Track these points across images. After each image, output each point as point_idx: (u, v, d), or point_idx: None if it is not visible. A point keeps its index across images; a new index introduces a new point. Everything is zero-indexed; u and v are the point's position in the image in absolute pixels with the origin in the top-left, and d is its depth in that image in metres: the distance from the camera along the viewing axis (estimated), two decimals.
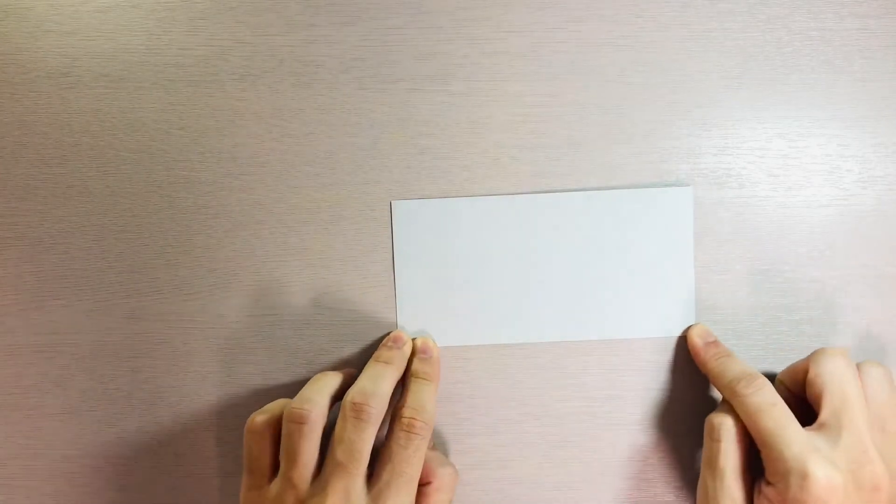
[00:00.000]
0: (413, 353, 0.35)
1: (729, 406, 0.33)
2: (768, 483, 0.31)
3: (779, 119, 0.36)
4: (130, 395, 0.37)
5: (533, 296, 0.36)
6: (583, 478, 0.37)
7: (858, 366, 0.33)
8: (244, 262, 0.37)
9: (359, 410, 0.31)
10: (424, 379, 0.34)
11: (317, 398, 0.32)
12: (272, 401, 0.34)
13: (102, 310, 0.37)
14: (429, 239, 0.36)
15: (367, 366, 0.34)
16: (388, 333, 0.36)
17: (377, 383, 0.32)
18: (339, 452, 0.31)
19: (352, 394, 0.32)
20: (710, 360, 0.34)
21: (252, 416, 0.33)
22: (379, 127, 0.36)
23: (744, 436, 0.32)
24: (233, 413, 0.37)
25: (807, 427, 0.31)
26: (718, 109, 0.36)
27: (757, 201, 0.36)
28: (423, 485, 0.33)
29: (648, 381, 0.37)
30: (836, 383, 0.31)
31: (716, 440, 0.33)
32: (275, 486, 0.32)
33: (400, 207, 0.36)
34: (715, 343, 0.35)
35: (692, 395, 0.37)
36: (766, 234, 0.36)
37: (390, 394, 0.33)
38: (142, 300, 0.37)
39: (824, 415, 0.31)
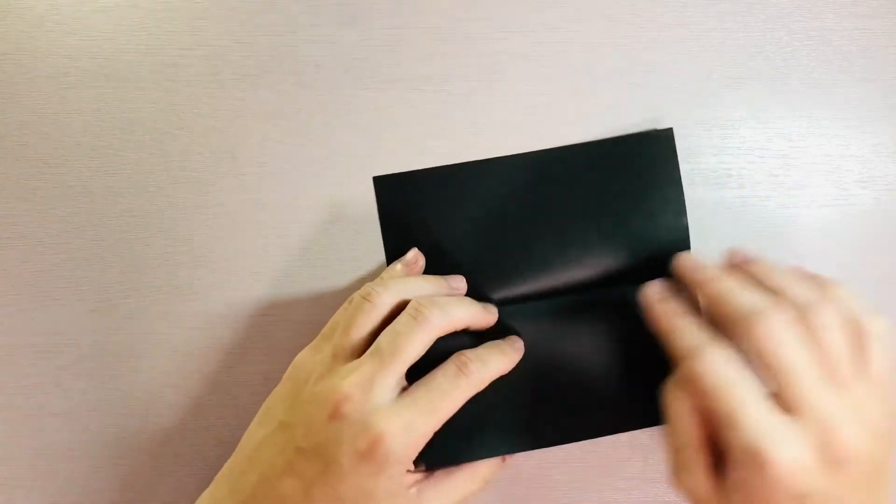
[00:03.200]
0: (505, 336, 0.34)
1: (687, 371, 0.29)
2: (730, 466, 0.27)
3: (779, 119, 0.36)
4: (130, 395, 0.37)
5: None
6: (583, 478, 0.37)
7: (803, 313, 0.28)
8: (244, 262, 0.37)
9: (418, 311, 0.31)
10: (501, 352, 0.33)
11: (394, 288, 0.32)
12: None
13: (102, 310, 0.37)
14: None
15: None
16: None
17: (451, 303, 0.32)
18: (383, 340, 0.30)
19: (422, 297, 0.32)
20: (663, 319, 0.31)
21: (360, 290, 0.32)
22: (379, 127, 0.36)
23: (701, 408, 0.29)
24: (233, 413, 0.37)
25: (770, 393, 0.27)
26: (718, 109, 0.36)
27: (757, 201, 0.36)
28: None
29: None
30: (775, 355, 0.27)
31: (669, 415, 0.30)
32: (324, 349, 0.32)
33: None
34: (670, 300, 0.32)
35: None
36: (766, 234, 0.36)
37: (458, 323, 0.32)
38: (142, 300, 0.37)
39: (775, 392, 0.27)
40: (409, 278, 0.34)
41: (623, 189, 0.35)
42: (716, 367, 0.28)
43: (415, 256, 0.35)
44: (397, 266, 0.35)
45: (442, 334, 0.31)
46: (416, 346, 0.30)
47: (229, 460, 0.32)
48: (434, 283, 0.34)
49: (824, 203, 0.36)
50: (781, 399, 0.27)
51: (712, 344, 0.29)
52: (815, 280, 0.31)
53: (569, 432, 0.35)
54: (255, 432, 0.32)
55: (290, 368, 0.32)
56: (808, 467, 0.26)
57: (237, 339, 0.37)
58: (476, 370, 0.31)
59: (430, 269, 0.36)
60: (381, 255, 0.36)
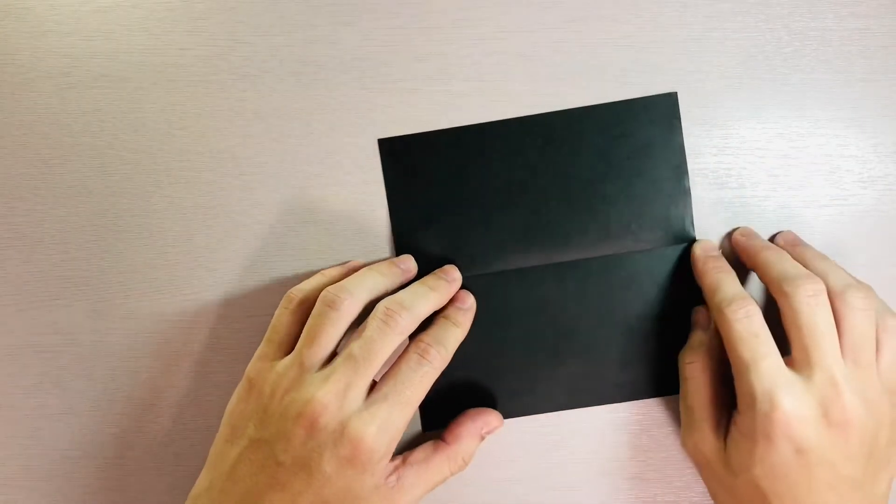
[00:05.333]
0: (451, 301, 0.35)
1: (699, 339, 0.34)
2: (739, 412, 0.31)
3: (779, 119, 0.36)
4: (130, 395, 0.37)
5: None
6: (583, 478, 0.37)
7: (839, 293, 0.31)
8: (244, 262, 0.37)
9: (388, 316, 0.31)
10: (454, 324, 0.34)
11: (356, 292, 0.32)
12: None
13: (102, 310, 0.37)
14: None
15: (413, 285, 0.34)
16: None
17: (415, 301, 0.32)
18: (355, 347, 0.31)
19: (388, 300, 0.32)
20: (708, 273, 0.34)
21: (292, 289, 0.33)
22: (379, 127, 0.36)
23: (712, 373, 0.33)
24: None
25: (785, 358, 0.31)
26: (718, 109, 0.36)
27: (757, 201, 0.36)
28: (442, 441, 0.34)
29: None
30: (806, 317, 0.30)
31: (684, 378, 0.34)
32: (285, 360, 0.31)
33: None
34: (717, 257, 0.34)
35: None
36: (766, 234, 0.36)
37: (423, 317, 0.32)
38: (142, 300, 0.37)
39: (795, 350, 0.30)
40: (366, 276, 0.33)
41: (627, 153, 0.36)
42: (749, 317, 0.31)
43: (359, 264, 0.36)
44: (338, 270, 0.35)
45: (411, 332, 0.32)
46: (387, 351, 0.31)
47: (201, 479, 0.32)
48: (390, 274, 0.34)
49: (824, 203, 0.36)
50: (796, 360, 0.30)
51: (748, 298, 0.32)
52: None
53: (575, 397, 0.36)
54: (227, 451, 0.31)
55: (245, 381, 0.32)
56: (809, 420, 0.29)
57: (237, 339, 0.37)
58: (437, 353, 0.32)
59: (436, 233, 0.36)
60: (382, 256, 0.36)
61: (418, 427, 0.37)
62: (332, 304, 0.31)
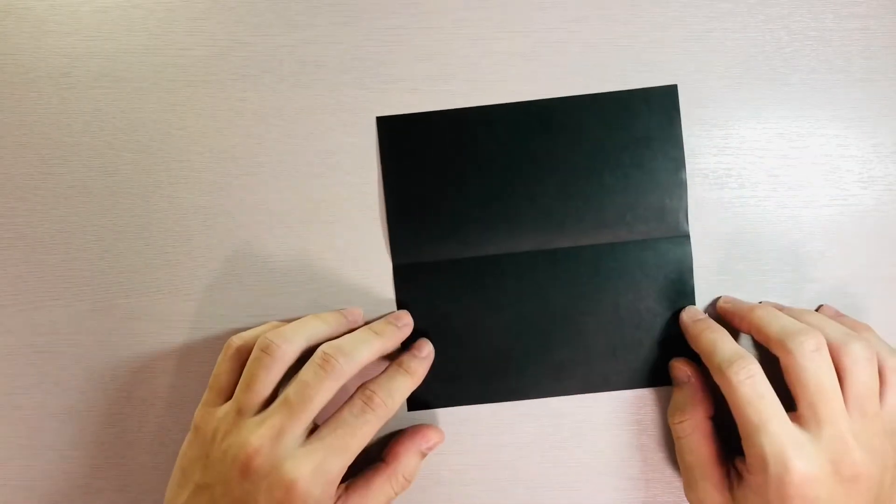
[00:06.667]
0: (409, 348, 0.35)
1: (683, 397, 0.34)
2: (749, 472, 0.31)
3: (779, 119, 0.36)
4: (130, 395, 0.37)
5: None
6: (583, 478, 0.37)
7: (840, 345, 0.31)
8: (244, 262, 0.37)
9: (326, 361, 0.31)
10: (406, 371, 0.34)
11: (294, 339, 0.32)
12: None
13: (102, 310, 0.37)
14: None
15: (358, 329, 0.34)
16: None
17: (357, 346, 0.32)
18: (291, 391, 0.31)
19: (327, 345, 0.32)
20: (702, 334, 0.33)
21: (232, 337, 0.33)
22: None
23: (705, 428, 0.33)
24: None
25: (790, 413, 0.31)
26: (718, 109, 0.36)
27: (757, 201, 0.36)
28: (382, 462, 0.34)
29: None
30: (811, 374, 0.30)
31: (677, 437, 0.34)
32: (225, 406, 0.32)
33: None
34: (704, 319, 0.35)
35: None
36: (766, 234, 0.36)
37: (365, 363, 0.32)
38: (142, 300, 0.37)
39: (801, 407, 0.30)
40: (307, 322, 0.33)
41: (626, 143, 0.36)
42: (751, 377, 0.31)
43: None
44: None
45: (350, 378, 0.32)
46: (324, 396, 0.31)
47: None
48: (332, 322, 0.34)
49: (824, 203, 0.36)
50: (803, 417, 0.30)
51: (747, 357, 0.31)
52: (845, 320, 0.35)
53: (562, 384, 0.36)
54: (178, 495, 0.32)
55: (193, 428, 0.33)
56: (821, 480, 0.29)
57: None
58: (382, 402, 0.32)
59: (429, 214, 0.36)
60: (382, 256, 0.36)
61: (403, 409, 0.37)
62: (267, 350, 0.31)
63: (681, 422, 0.34)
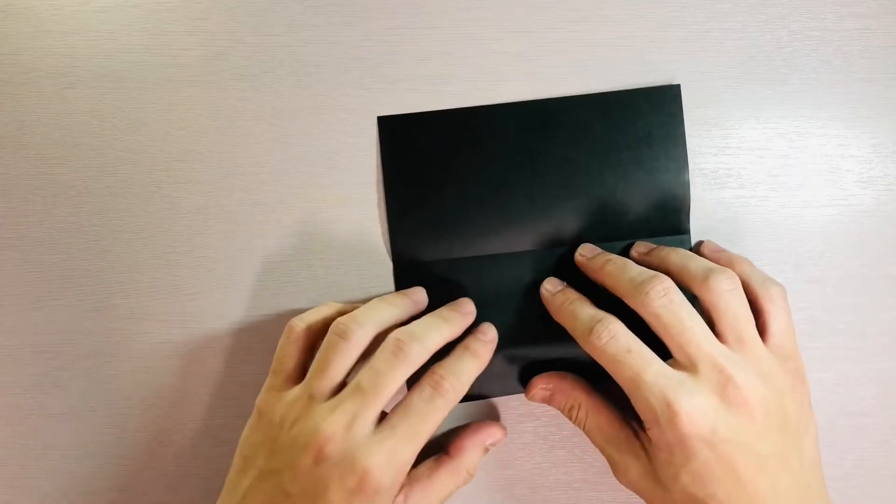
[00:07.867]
0: (473, 332, 0.34)
1: (560, 400, 0.34)
2: (648, 428, 0.30)
3: (779, 119, 0.36)
4: (130, 395, 0.37)
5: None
6: (583, 478, 0.37)
7: (701, 281, 0.31)
8: (244, 262, 0.37)
9: (398, 348, 0.31)
10: (473, 354, 0.33)
11: (367, 323, 0.32)
12: None
13: (102, 310, 0.37)
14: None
15: (425, 316, 0.34)
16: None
17: (427, 332, 0.32)
18: (364, 378, 0.30)
19: (399, 332, 0.31)
20: (561, 309, 0.33)
21: (293, 319, 0.33)
22: None
23: (596, 407, 0.33)
24: (233, 413, 0.37)
25: (668, 362, 0.30)
26: (718, 109, 0.36)
27: (757, 201, 0.36)
28: (446, 454, 0.34)
29: None
30: (666, 317, 0.30)
31: (582, 429, 0.34)
32: (295, 391, 0.31)
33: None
34: (563, 291, 0.34)
35: None
36: (766, 234, 0.36)
37: (434, 350, 0.32)
38: (142, 300, 0.37)
39: (673, 351, 0.30)
40: (377, 307, 0.33)
41: (628, 143, 0.35)
42: (613, 336, 0.30)
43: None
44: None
45: (422, 364, 0.32)
46: (396, 383, 0.31)
47: None
48: (400, 305, 0.34)
49: (824, 203, 0.36)
50: (678, 361, 0.30)
51: (605, 318, 0.31)
52: (722, 255, 0.34)
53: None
54: (239, 482, 0.31)
55: (256, 413, 0.32)
56: (710, 411, 0.29)
57: (237, 339, 0.37)
58: (451, 386, 0.31)
59: (430, 212, 0.36)
60: (382, 256, 0.36)
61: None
62: (342, 335, 0.31)
63: (574, 414, 0.33)
